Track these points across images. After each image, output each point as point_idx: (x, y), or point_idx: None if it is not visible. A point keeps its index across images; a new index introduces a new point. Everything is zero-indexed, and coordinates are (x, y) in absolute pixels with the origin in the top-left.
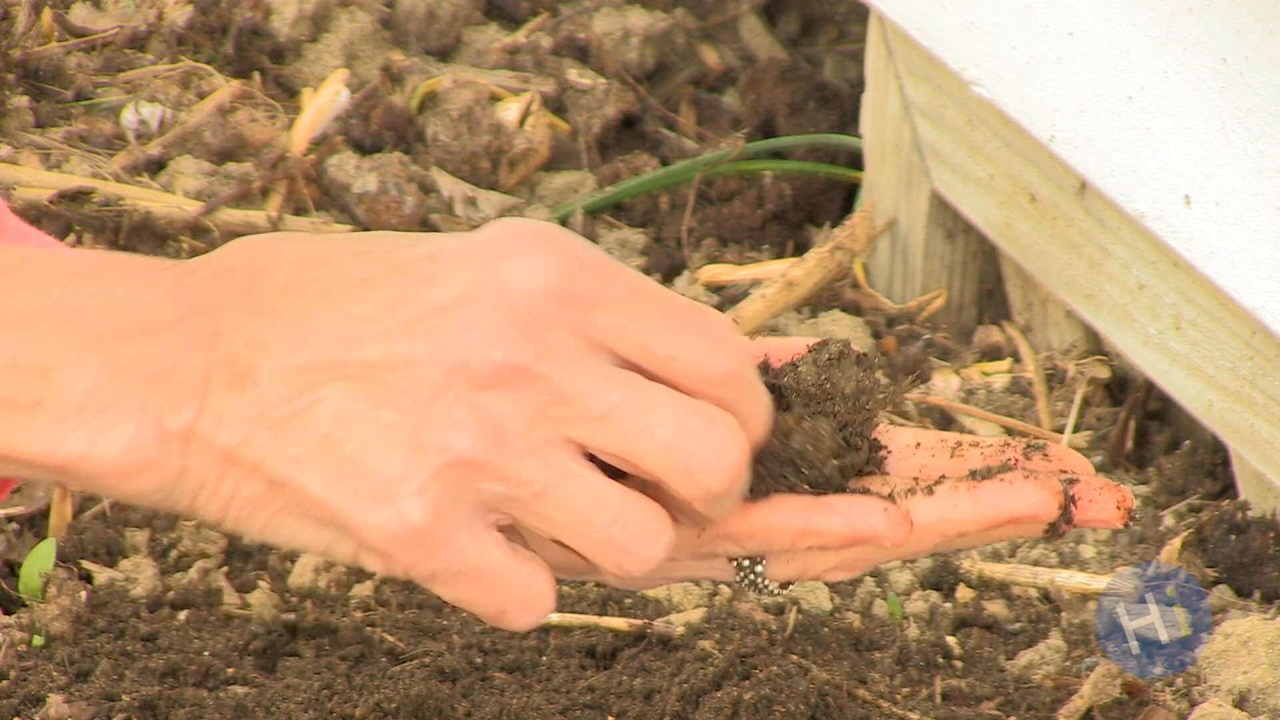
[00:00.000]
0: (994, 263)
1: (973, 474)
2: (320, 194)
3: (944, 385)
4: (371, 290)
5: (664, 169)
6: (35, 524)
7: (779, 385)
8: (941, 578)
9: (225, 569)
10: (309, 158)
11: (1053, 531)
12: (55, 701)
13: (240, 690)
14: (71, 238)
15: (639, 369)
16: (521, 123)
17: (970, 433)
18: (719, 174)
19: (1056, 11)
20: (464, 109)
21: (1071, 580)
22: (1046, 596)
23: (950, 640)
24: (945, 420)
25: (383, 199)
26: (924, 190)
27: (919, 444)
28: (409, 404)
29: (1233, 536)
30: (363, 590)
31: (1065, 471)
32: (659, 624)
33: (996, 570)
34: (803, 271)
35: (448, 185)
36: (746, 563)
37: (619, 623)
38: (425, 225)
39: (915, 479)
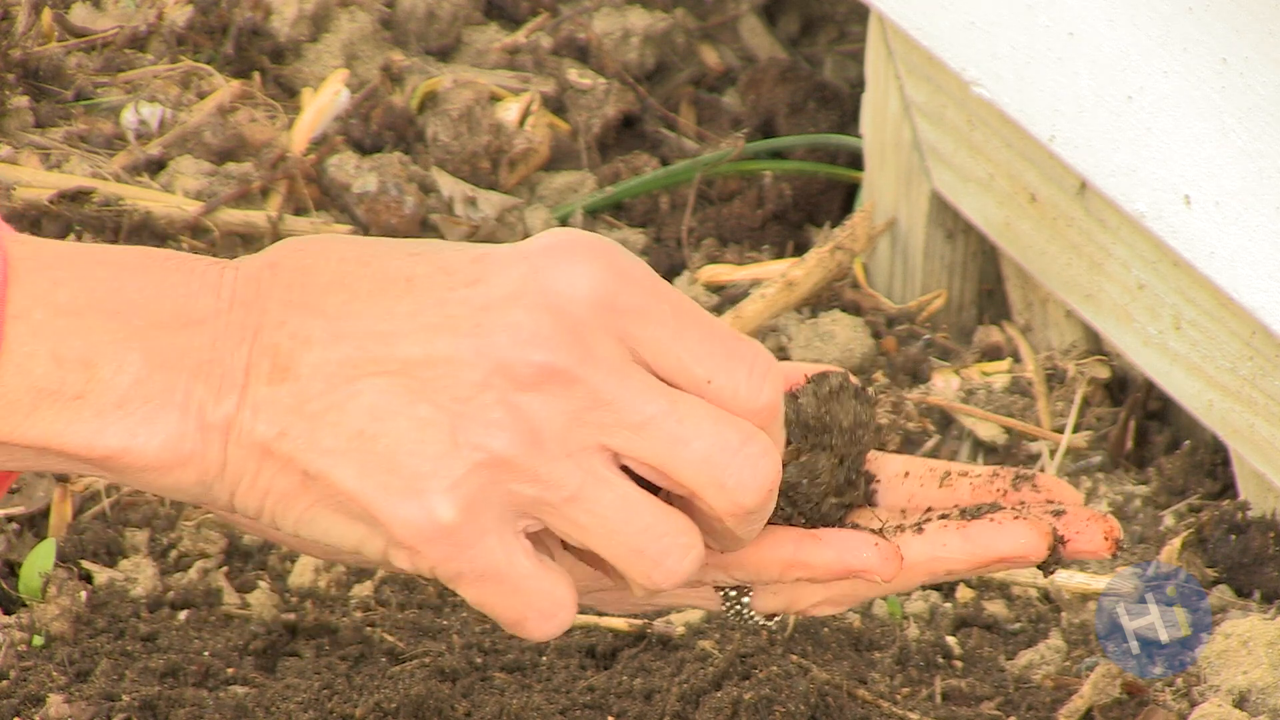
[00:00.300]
0: (994, 263)
1: (963, 512)
2: (320, 194)
3: (944, 385)
4: (416, 288)
5: (664, 169)
6: (35, 524)
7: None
8: None
9: (225, 569)
10: (309, 158)
11: (1043, 570)
12: (55, 701)
13: (240, 690)
14: (71, 238)
15: (674, 387)
16: (521, 123)
17: (970, 433)
18: (719, 174)
19: (1056, 11)
20: (464, 109)
21: (1071, 580)
22: (1046, 596)
23: (950, 640)
24: (945, 420)
25: (383, 199)
26: (924, 190)
27: (907, 473)
28: (447, 401)
29: (1233, 536)
30: (363, 590)
31: (1053, 502)
32: (659, 624)
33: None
34: (803, 271)
35: (448, 185)
36: (733, 593)
37: (619, 623)
38: (425, 225)
39: (903, 510)
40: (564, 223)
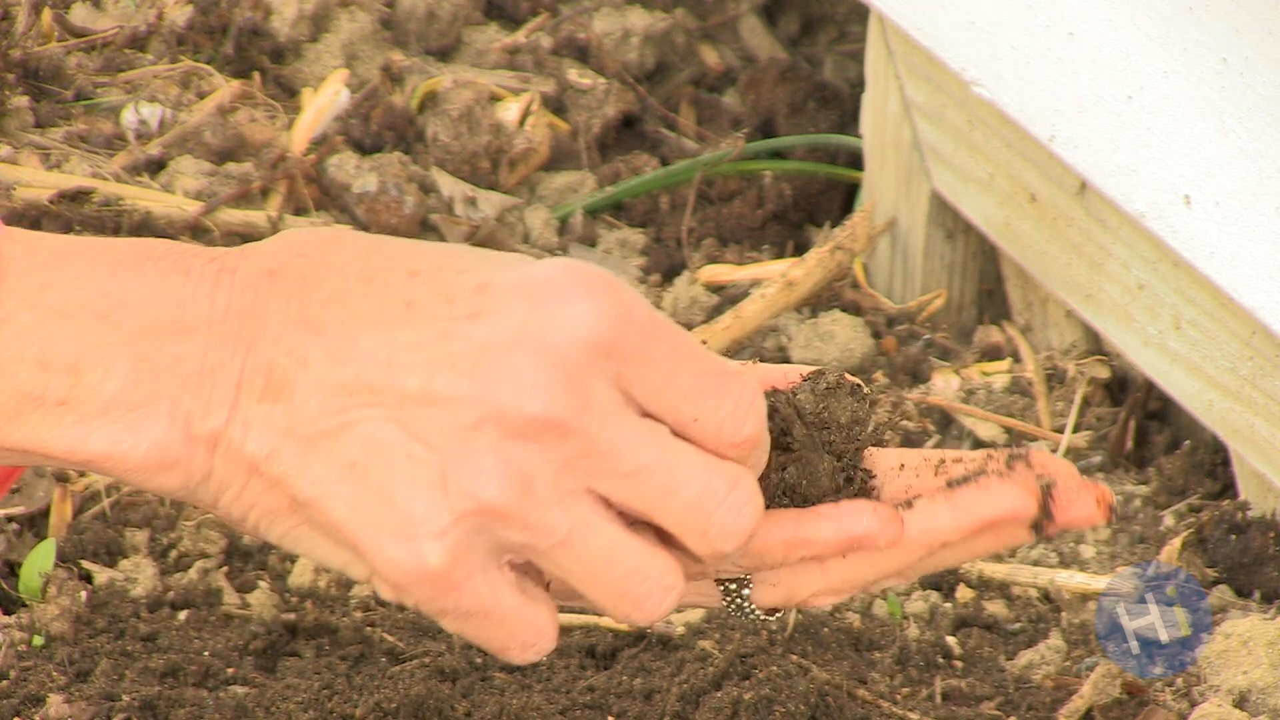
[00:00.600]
0: (994, 263)
1: (949, 483)
2: (320, 194)
3: (944, 385)
4: (417, 316)
5: (664, 169)
6: (35, 524)
7: (777, 412)
8: (941, 578)
9: (225, 569)
10: (309, 158)
11: (1037, 531)
12: (55, 701)
13: (240, 690)
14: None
15: (661, 423)
16: (521, 123)
17: (970, 433)
18: (719, 174)
19: (1056, 11)
20: (464, 109)
21: (1071, 580)
22: (1046, 596)
23: (950, 640)
24: (945, 420)
25: (383, 199)
26: (924, 190)
27: (903, 465)
28: (440, 442)
29: (1233, 536)
30: (363, 590)
31: (1043, 475)
32: (659, 624)
33: (996, 570)
34: (803, 271)
35: (448, 185)
36: (733, 586)
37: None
38: (425, 225)
39: (900, 504)
40: (564, 223)
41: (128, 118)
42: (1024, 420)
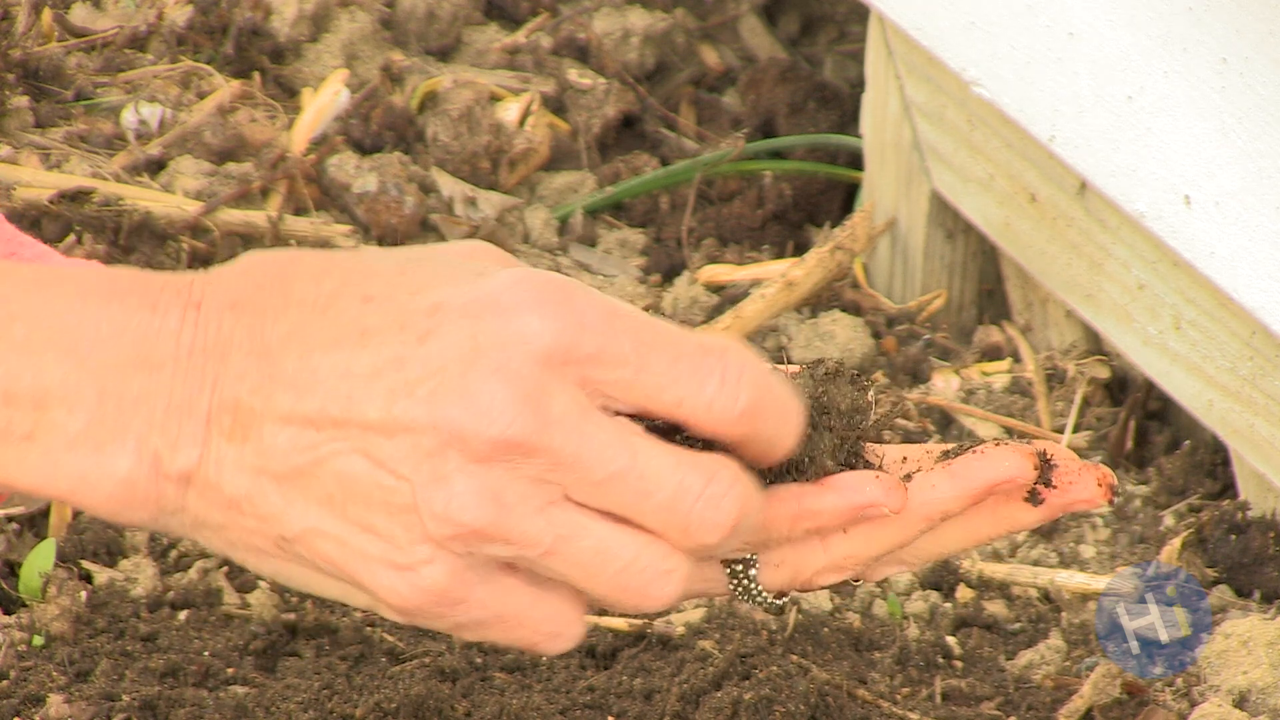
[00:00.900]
0: (994, 263)
1: (945, 454)
2: (320, 194)
3: (944, 385)
4: (372, 344)
5: (664, 169)
6: (35, 524)
7: None
8: (941, 578)
9: (225, 569)
10: (309, 158)
11: (1034, 499)
12: (55, 701)
13: (240, 690)
14: (71, 238)
15: (650, 415)
16: (521, 123)
17: (970, 433)
18: (719, 174)
19: (1056, 11)
20: (464, 109)
21: (1071, 580)
22: (1046, 596)
23: (950, 640)
24: (945, 420)
25: (383, 199)
26: (924, 190)
27: (905, 458)
28: (408, 471)
29: (1233, 536)
30: None
31: (1044, 452)
32: (659, 624)
33: (996, 570)
34: (803, 271)
35: (448, 185)
36: (739, 566)
37: (619, 623)
38: (425, 225)
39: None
40: (564, 223)
41: (128, 118)
42: (1024, 420)
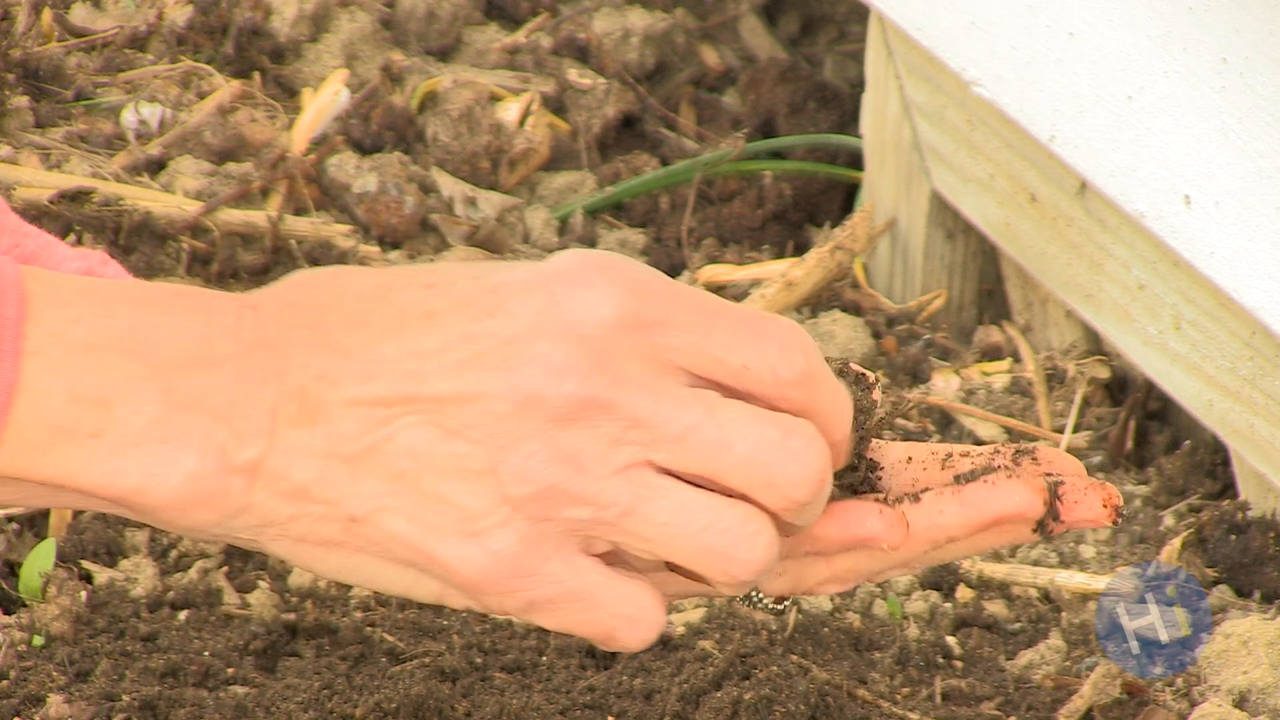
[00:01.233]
0: (994, 263)
1: (957, 478)
2: (320, 194)
3: (944, 385)
4: (437, 323)
5: (664, 169)
6: (35, 524)
7: None
8: (941, 578)
9: (225, 569)
10: (309, 158)
11: (1042, 530)
12: (55, 701)
13: (240, 690)
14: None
15: (715, 384)
16: (521, 123)
17: (970, 433)
18: (719, 174)
19: (1056, 11)
20: (464, 109)
21: (1071, 580)
22: (1046, 596)
23: (950, 640)
24: (945, 420)
25: (383, 199)
26: (924, 190)
27: (910, 458)
28: (483, 436)
29: (1233, 536)
30: (363, 590)
31: (1052, 475)
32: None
33: (996, 570)
34: (803, 271)
35: (448, 185)
36: None
37: None
38: (425, 225)
39: (908, 496)
40: (564, 223)
41: (128, 118)
42: (1024, 420)
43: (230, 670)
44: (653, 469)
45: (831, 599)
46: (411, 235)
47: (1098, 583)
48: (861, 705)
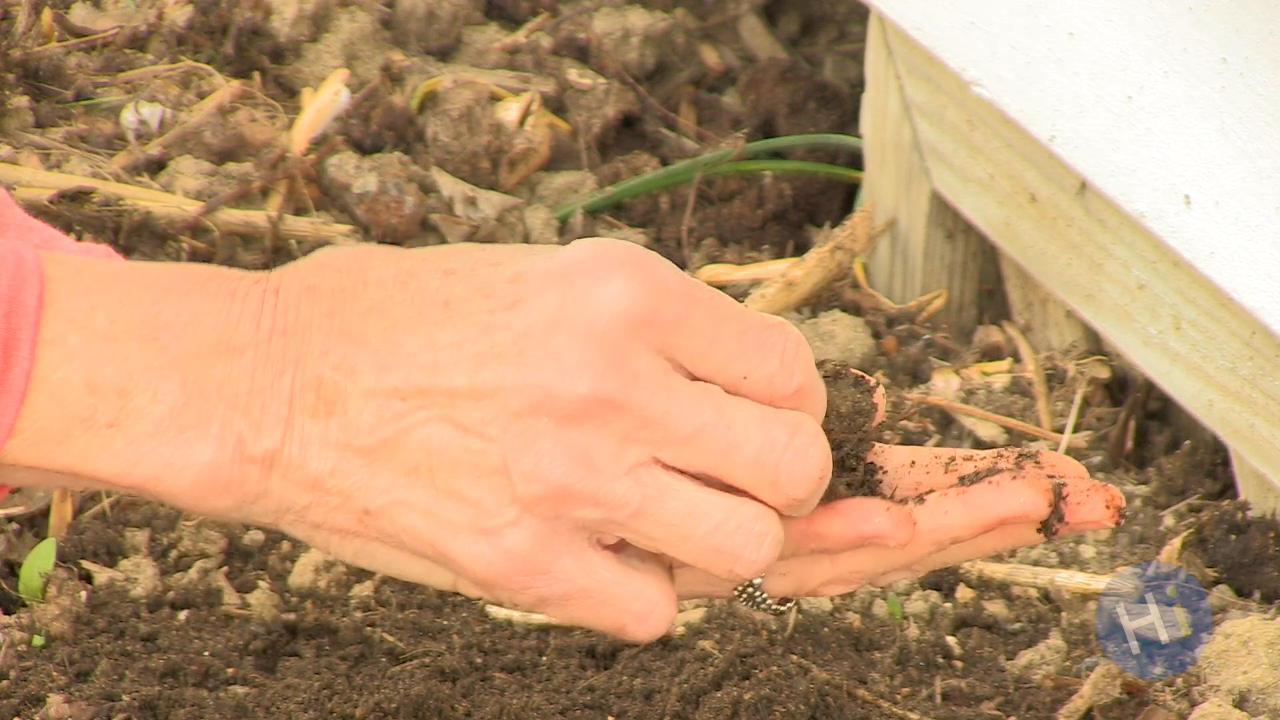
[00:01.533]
0: (994, 263)
1: (961, 480)
2: (320, 194)
3: (944, 385)
4: (456, 313)
5: (664, 169)
6: (35, 524)
7: None
8: (941, 578)
9: (225, 569)
10: (309, 158)
11: (1046, 530)
12: (55, 701)
13: (240, 690)
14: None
15: (712, 383)
16: (521, 123)
17: (970, 433)
18: (719, 174)
19: (1056, 11)
20: (464, 109)
21: (1071, 580)
22: (1046, 596)
23: (950, 640)
24: (945, 420)
25: (383, 199)
26: (924, 190)
27: (913, 462)
28: (496, 433)
29: (1233, 536)
30: (363, 590)
31: (1054, 477)
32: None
33: (996, 570)
34: (803, 271)
35: (448, 185)
36: None
37: None
38: (425, 225)
39: (910, 499)
40: (564, 223)
41: (128, 118)
42: (1024, 420)
43: (230, 670)
44: (660, 466)
45: (831, 599)
46: (411, 235)
47: (1098, 583)
48: (861, 705)
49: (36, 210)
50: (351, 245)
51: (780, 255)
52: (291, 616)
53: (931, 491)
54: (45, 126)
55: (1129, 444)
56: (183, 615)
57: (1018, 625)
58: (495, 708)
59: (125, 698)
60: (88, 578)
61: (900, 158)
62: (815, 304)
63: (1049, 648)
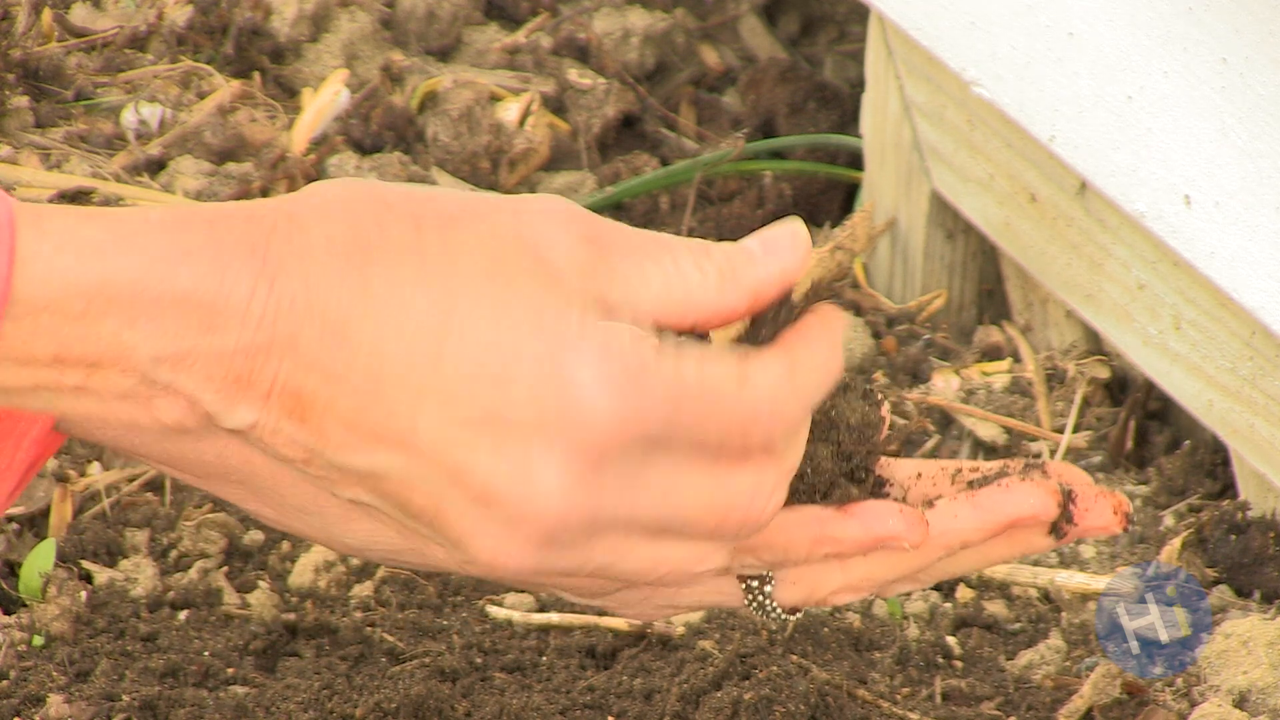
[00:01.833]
0: (994, 263)
1: (970, 484)
2: None
3: (944, 385)
4: (444, 374)
5: (664, 169)
6: (35, 524)
7: None
8: None
9: (225, 569)
10: (309, 158)
11: (1056, 533)
12: (55, 701)
13: (240, 690)
14: None
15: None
16: (521, 123)
17: (970, 433)
18: (719, 174)
19: (1056, 11)
20: (464, 109)
21: (1071, 580)
22: (1046, 596)
23: (950, 640)
24: (945, 420)
25: None
26: (924, 190)
27: (920, 474)
28: (452, 519)
29: (1233, 536)
30: (363, 590)
31: (1063, 481)
32: (659, 624)
33: (996, 570)
34: (803, 271)
35: (448, 185)
36: (755, 583)
37: (619, 623)
38: None
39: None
40: None
41: (128, 118)
42: (1024, 420)
43: (230, 670)
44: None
45: None
46: None
47: (1098, 583)
48: (861, 705)
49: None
50: (359, 200)
51: None
52: (291, 616)
53: (941, 497)
54: (45, 126)
55: (1129, 444)
56: (183, 615)
57: (1018, 625)
58: (495, 708)
59: (125, 698)
60: (88, 578)
61: (900, 158)
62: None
63: (1049, 648)
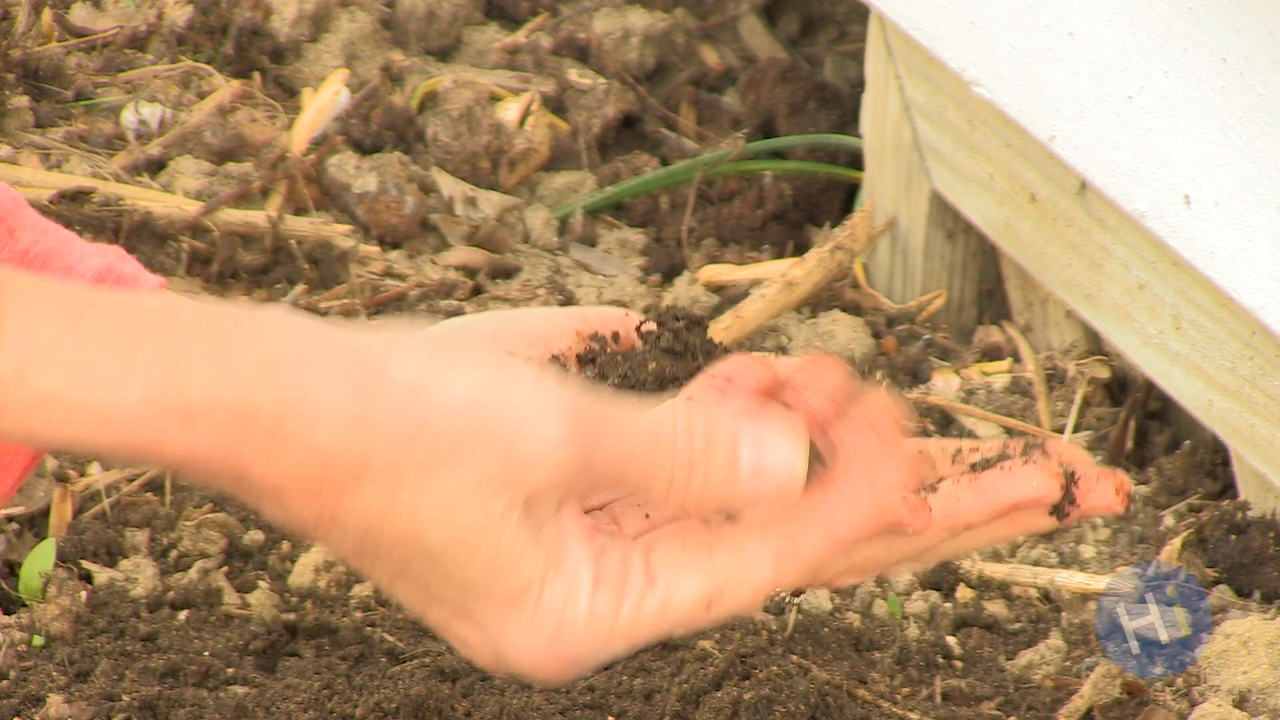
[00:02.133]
0: (994, 263)
1: (972, 466)
2: (320, 194)
3: (944, 385)
4: (433, 589)
5: (664, 169)
6: (35, 524)
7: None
8: (941, 578)
9: (225, 569)
10: (309, 158)
11: (1058, 514)
12: (55, 701)
13: (240, 690)
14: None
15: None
16: (521, 123)
17: (970, 433)
18: (719, 174)
19: (1056, 11)
20: (464, 109)
21: (1071, 580)
22: (1046, 596)
23: (950, 640)
24: (945, 420)
25: (383, 199)
26: (924, 190)
27: (920, 453)
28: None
29: (1233, 536)
30: (363, 590)
31: (1063, 464)
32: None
33: (996, 570)
34: (803, 271)
35: (448, 185)
36: None
37: None
38: (425, 225)
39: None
40: (564, 223)
41: (128, 118)
42: (1024, 420)
43: (230, 670)
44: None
45: (831, 598)
46: (411, 235)
47: (1098, 583)
48: (861, 705)
49: (37, 210)
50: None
51: (780, 255)
52: (291, 616)
53: (943, 480)
54: (45, 126)
55: (1129, 444)
56: (183, 615)
57: (1018, 625)
58: (495, 708)
59: (125, 698)
60: (88, 578)
61: (900, 158)
62: (815, 304)
63: (1049, 648)
